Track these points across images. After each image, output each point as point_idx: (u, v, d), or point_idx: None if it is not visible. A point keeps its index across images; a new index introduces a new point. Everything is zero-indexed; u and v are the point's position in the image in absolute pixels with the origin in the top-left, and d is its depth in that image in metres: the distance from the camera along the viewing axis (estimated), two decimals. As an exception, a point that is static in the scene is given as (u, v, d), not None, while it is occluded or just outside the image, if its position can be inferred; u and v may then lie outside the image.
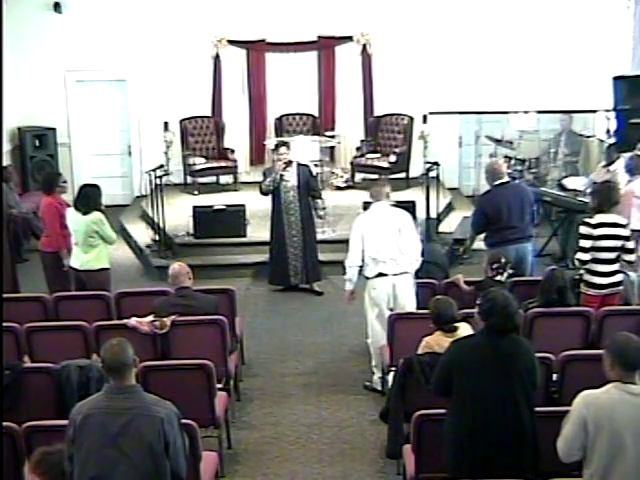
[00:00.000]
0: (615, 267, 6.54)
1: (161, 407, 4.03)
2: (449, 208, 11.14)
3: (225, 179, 12.34)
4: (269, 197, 8.86)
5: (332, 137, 11.88)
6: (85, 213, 7.38)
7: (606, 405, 3.87)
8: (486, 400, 4.34)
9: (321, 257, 9.15)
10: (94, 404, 4.06)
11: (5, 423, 4.60)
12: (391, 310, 6.55)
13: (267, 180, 8.76)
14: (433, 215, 10.04)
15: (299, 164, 8.82)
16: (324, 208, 9.13)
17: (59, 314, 6.71)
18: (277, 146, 8.99)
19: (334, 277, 9.36)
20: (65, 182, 7.97)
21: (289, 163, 8.71)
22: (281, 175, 8.68)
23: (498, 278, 6.31)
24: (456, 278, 6.73)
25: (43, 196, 7.91)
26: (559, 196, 9.50)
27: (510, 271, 6.41)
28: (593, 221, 6.49)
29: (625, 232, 6.53)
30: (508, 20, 11.38)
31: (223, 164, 12.17)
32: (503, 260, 6.40)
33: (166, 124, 12.02)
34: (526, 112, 10.91)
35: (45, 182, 7.93)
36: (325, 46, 12.42)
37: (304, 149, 10.47)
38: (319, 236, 9.38)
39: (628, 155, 8.14)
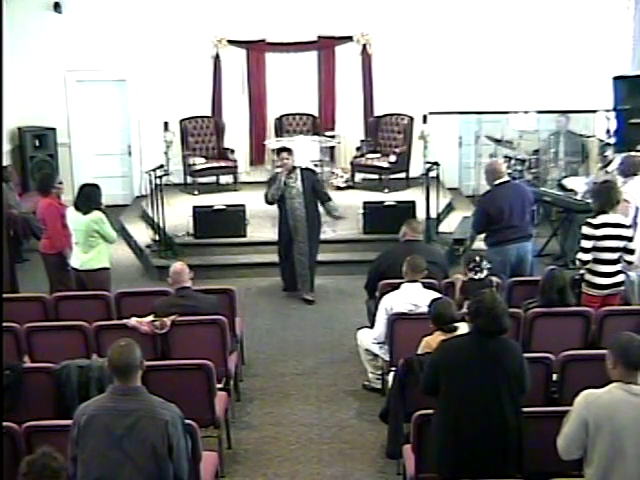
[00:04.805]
0: (617, 267, 6.54)
1: (166, 410, 4.03)
2: (449, 208, 11.13)
3: (225, 179, 12.33)
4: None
5: (332, 137, 11.87)
6: (85, 213, 7.38)
7: (607, 405, 3.86)
8: (471, 400, 4.35)
9: (321, 257, 9.13)
10: (99, 405, 4.06)
11: (5, 423, 4.59)
12: None
13: (272, 188, 8.56)
14: (433, 215, 10.03)
15: (302, 169, 8.70)
16: (337, 209, 8.96)
17: (59, 314, 6.70)
18: (279, 151, 8.81)
19: (334, 277, 9.37)
20: (61, 183, 7.94)
21: (292, 169, 8.57)
22: (285, 182, 8.50)
23: (477, 276, 6.28)
24: (455, 278, 6.72)
25: (40, 198, 7.90)
26: (559, 196, 9.50)
27: (488, 266, 6.32)
28: (595, 221, 6.47)
29: (628, 232, 6.53)
30: (508, 20, 11.40)
31: (223, 164, 12.17)
32: (477, 258, 6.31)
33: (166, 124, 12.02)
34: (526, 112, 10.91)
35: (41, 184, 7.91)
36: (325, 46, 12.42)
37: (304, 149, 10.46)
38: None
39: (622, 156, 8.13)
